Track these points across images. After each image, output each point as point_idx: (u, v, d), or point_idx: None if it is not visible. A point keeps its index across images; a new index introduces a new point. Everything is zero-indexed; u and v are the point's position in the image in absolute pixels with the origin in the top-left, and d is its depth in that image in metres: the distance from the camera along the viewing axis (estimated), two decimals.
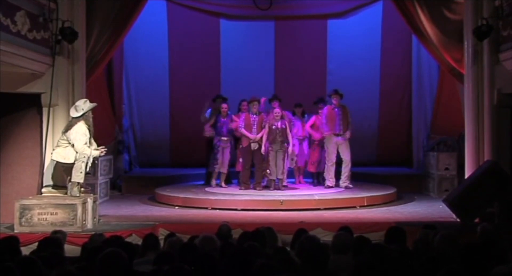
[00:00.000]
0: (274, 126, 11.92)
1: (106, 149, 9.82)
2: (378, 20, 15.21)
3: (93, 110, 9.46)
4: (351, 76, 14.91)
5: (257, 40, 15.53)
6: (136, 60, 15.03)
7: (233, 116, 12.57)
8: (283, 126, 11.96)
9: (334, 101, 12.32)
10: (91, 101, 9.48)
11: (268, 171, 12.07)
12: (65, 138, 9.32)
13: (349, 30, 15.32)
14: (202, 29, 15.36)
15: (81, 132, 9.25)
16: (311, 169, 12.82)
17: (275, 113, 11.99)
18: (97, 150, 9.50)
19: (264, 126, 12.08)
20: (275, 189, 12.01)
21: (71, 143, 9.25)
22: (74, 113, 9.32)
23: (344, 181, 12.37)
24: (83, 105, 9.34)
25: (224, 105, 12.66)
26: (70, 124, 9.36)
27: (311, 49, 15.38)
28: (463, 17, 10.24)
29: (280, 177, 12.11)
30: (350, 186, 12.30)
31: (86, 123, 9.36)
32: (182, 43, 15.30)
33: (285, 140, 12.03)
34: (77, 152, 9.23)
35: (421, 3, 10.53)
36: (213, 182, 12.66)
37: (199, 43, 15.30)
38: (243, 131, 12.13)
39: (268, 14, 13.99)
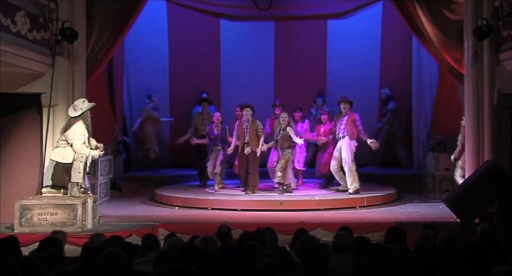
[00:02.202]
0: (280, 131, 11.68)
1: (103, 151, 9.86)
2: (378, 21, 15.21)
3: (91, 110, 9.46)
4: (351, 77, 14.91)
5: (257, 41, 15.52)
6: (136, 61, 15.02)
7: (227, 128, 12.44)
8: (284, 130, 11.73)
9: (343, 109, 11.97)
10: (90, 101, 9.49)
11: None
12: (63, 138, 9.32)
13: (349, 30, 15.31)
14: (202, 30, 15.37)
15: (79, 132, 9.25)
16: (324, 170, 12.60)
17: (282, 118, 11.73)
18: (96, 149, 9.52)
19: (260, 133, 11.90)
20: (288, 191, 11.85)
21: (70, 143, 9.26)
22: (72, 113, 9.33)
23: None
24: (82, 104, 9.34)
25: (217, 114, 12.54)
26: (69, 124, 9.36)
27: (311, 49, 15.37)
28: (463, 17, 10.24)
29: (277, 180, 11.93)
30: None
31: (85, 123, 9.36)
32: (182, 43, 15.30)
33: (290, 144, 11.82)
34: (75, 152, 9.23)
35: (421, 3, 10.53)
36: (216, 186, 12.36)
37: (199, 44, 15.30)
38: (234, 140, 12.09)
39: (268, 14, 13.99)
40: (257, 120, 12.02)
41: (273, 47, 15.57)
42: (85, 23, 9.96)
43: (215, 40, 15.46)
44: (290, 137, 11.64)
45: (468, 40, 10.13)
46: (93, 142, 9.57)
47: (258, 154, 11.84)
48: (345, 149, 11.75)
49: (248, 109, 11.92)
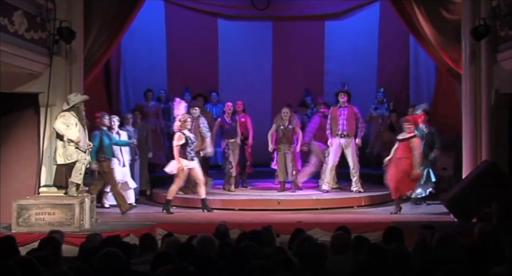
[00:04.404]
0: (282, 127, 11.83)
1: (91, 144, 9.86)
2: (375, 21, 15.22)
3: (86, 103, 9.50)
4: (348, 77, 14.86)
5: (255, 41, 15.51)
6: (134, 61, 14.99)
7: (237, 119, 12.44)
8: (290, 126, 11.85)
9: (341, 100, 11.98)
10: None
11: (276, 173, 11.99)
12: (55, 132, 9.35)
13: (346, 30, 15.33)
14: (200, 29, 15.35)
15: (59, 123, 9.23)
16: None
17: (283, 113, 11.86)
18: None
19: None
20: (285, 190, 11.90)
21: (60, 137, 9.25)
22: (65, 106, 9.35)
23: (355, 185, 11.93)
24: (74, 97, 9.36)
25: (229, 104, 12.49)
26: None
27: (308, 49, 15.37)
28: (461, 17, 10.24)
29: (291, 178, 11.93)
30: (361, 190, 11.83)
31: (77, 116, 9.35)
32: (180, 43, 15.29)
33: (292, 141, 11.89)
34: (70, 143, 9.22)
35: (419, 3, 10.52)
36: (232, 187, 12.18)
37: (197, 43, 15.28)
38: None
39: (266, 14, 13.98)
40: (201, 118, 11.69)
41: (270, 47, 15.58)
42: (83, 23, 9.95)
43: (213, 40, 15.45)
44: (294, 133, 11.69)
45: (466, 40, 10.13)
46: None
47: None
48: (352, 150, 11.79)
49: (197, 108, 11.89)
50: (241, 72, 15.26)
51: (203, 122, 11.55)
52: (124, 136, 11.25)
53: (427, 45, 10.87)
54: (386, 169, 10.64)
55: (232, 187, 12.18)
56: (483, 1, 9.87)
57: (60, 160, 9.34)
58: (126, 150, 11.33)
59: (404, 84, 15.14)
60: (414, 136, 10.44)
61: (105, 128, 10.70)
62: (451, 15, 10.51)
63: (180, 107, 10.83)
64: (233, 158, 12.15)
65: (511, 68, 9.28)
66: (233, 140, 12.21)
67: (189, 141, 10.50)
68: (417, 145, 10.41)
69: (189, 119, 10.64)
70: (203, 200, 10.75)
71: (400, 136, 10.60)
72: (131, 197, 11.31)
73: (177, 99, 11.03)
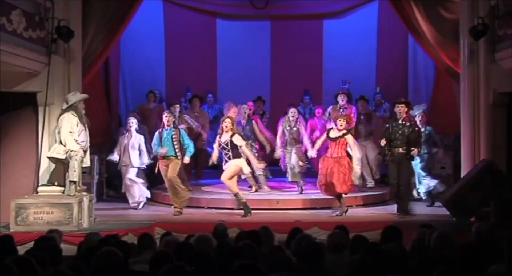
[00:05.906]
0: (288, 128, 11.75)
1: None
2: (374, 20, 15.24)
3: (87, 107, 9.48)
4: (347, 76, 14.89)
5: (253, 40, 15.53)
6: (132, 60, 14.98)
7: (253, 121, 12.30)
8: (296, 127, 11.77)
9: (341, 102, 12.02)
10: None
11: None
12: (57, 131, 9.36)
13: (345, 29, 15.33)
14: (198, 29, 15.37)
15: (65, 120, 9.24)
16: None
17: (291, 113, 11.72)
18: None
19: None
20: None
21: (61, 140, 9.25)
22: (64, 106, 9.36)
23: (369, 179, 12.20)
24: (72, 97, 9.36)
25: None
26: (60, 117, 9.37)
27: (307, 48, 15.38)
28: (459, 16, 10.25)
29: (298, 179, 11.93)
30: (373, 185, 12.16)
31: (77, 114, 9.35)
32: (178, 42, 15.29)
33: (299, 141, 11.79)
34: (63, 144, 9.24)
35: (417, 2, 10.54)
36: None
37: (195, 43, 15.30)
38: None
39: (264, 13, 14.01)
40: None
41: (269, 46, 15.60)
42: (81, 22, 9.95)
43: (212, 39, 15.47)
44: (299, 133, 11.68)
45: (464, 39, 10.14)
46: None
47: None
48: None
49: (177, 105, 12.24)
50: (240, 71, 15.26)
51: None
52: (141, 139, 11.39)
53: (425, 44, 10.88)
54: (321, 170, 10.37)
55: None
56: (481, 1, 9.88)
57: (50, 153, 9.37)
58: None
59: (402, 83, 15.13)
60: (347, 133, 10.31)
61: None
62: (449, 14, 10.52)
63: (229, 110, 10.84)
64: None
65: (509, 67, 9.29)
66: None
67: (222, 144, 10.36)
68: (354, 141, 10.38)
69: (227, 120, 10.36)
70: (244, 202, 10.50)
71: (332, 135, 10.36)
72: (136, 196, 11.43)
73: (228, 103, 11.05)
